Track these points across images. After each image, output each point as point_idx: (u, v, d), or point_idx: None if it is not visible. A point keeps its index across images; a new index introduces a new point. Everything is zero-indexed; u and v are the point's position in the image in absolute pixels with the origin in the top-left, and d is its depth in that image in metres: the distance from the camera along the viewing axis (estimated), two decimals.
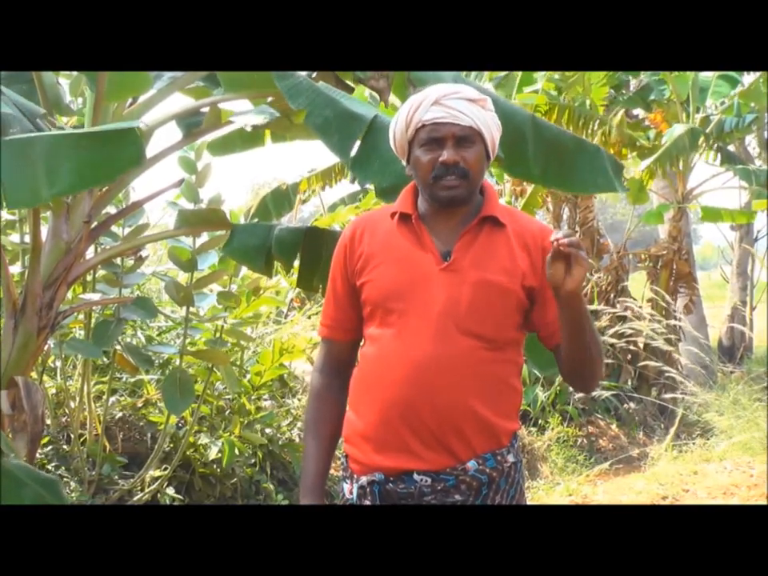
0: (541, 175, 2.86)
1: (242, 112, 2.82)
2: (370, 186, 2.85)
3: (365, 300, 1.73)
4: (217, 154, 3.45)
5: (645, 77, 7.45)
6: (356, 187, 7.41)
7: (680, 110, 6.96)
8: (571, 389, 6.18)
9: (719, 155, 7.53)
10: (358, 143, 2.34)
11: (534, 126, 2.78)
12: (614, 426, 6.44)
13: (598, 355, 1.71)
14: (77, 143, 1.86)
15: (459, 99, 1.64)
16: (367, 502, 1.68)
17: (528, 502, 4.22)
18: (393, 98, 3.02)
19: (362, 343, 1.81)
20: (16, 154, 1.79)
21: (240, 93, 2.64)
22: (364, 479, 1.68)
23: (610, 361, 6.58)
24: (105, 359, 3.78)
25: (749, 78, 7.08)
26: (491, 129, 1.68)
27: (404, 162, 1.76)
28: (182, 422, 3.86)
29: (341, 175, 7.24)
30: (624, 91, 7.86)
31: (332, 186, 7.37)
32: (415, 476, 1.65)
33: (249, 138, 3.38)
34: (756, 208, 7.16)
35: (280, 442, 4.05)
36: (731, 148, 9.65)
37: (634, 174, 7.03)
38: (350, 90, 2.83)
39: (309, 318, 4.88)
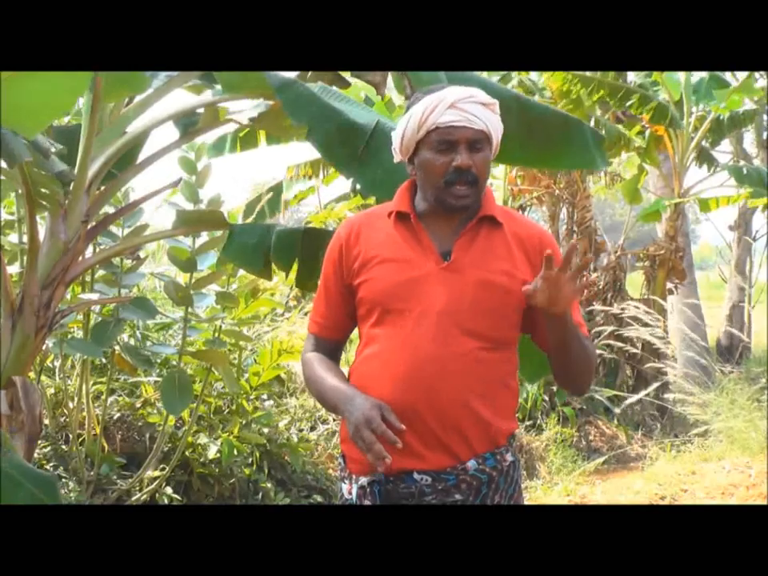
0: (522, 156, 2.84)
1: (238, 111, 2.82)
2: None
3: (361, 299, 1.72)
4: (210, 156, 3.45)
5: (638, 78, 7.44)
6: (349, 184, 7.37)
7: (674, 110, 6.96)
8: None
9: (705, 158, 7.56)
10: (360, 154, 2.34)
11: (519, 106, 2.75)
12: (612, 426, 6.43)
13: (586, 362, 1.73)
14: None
15: (474, 103, 1.65)
16: (367, 502, 1.67)
17: (526, 502, 4.22)
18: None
19: (357, 343, 1.81)
20: None
21: (237, 93, 2.64)
22: (364, 479, 1.68)
23: (608, 356, 6.57)
24: (103, 359, 3.78)
25: (740, 75, 7.07)
26: (497, 132, 1.70)
27: (403, 161, 1.75)
28: (180, 422, 3.86)
29: (328, 167, 7.12)
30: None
31: (327, 184, 7.28)
32: (415, 475, 1.65)
33: (242, 141, 3.39)
34: (752, 206, 7.16)
35: (278, 442, 4.05)
36: (728, 147, 9.66)
37: (629, 174, 7.01)
38: (347, 84, 2.82)
39: (305, 314, 4.86)
